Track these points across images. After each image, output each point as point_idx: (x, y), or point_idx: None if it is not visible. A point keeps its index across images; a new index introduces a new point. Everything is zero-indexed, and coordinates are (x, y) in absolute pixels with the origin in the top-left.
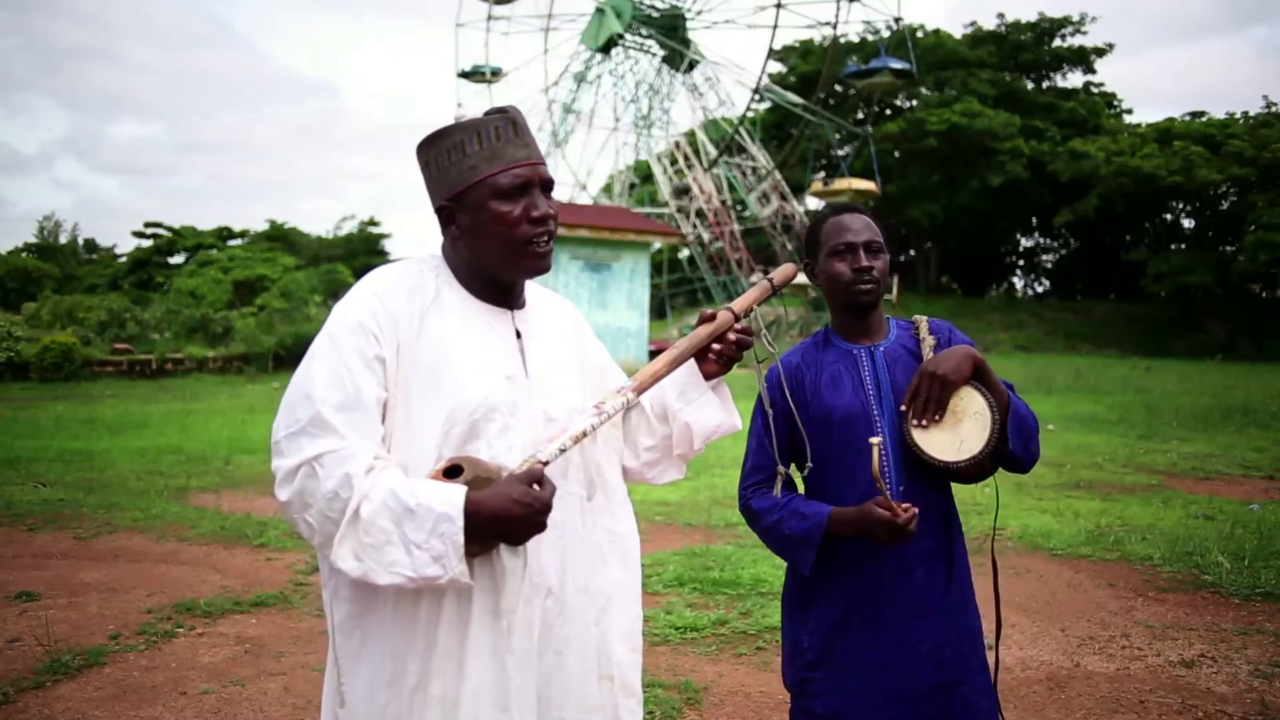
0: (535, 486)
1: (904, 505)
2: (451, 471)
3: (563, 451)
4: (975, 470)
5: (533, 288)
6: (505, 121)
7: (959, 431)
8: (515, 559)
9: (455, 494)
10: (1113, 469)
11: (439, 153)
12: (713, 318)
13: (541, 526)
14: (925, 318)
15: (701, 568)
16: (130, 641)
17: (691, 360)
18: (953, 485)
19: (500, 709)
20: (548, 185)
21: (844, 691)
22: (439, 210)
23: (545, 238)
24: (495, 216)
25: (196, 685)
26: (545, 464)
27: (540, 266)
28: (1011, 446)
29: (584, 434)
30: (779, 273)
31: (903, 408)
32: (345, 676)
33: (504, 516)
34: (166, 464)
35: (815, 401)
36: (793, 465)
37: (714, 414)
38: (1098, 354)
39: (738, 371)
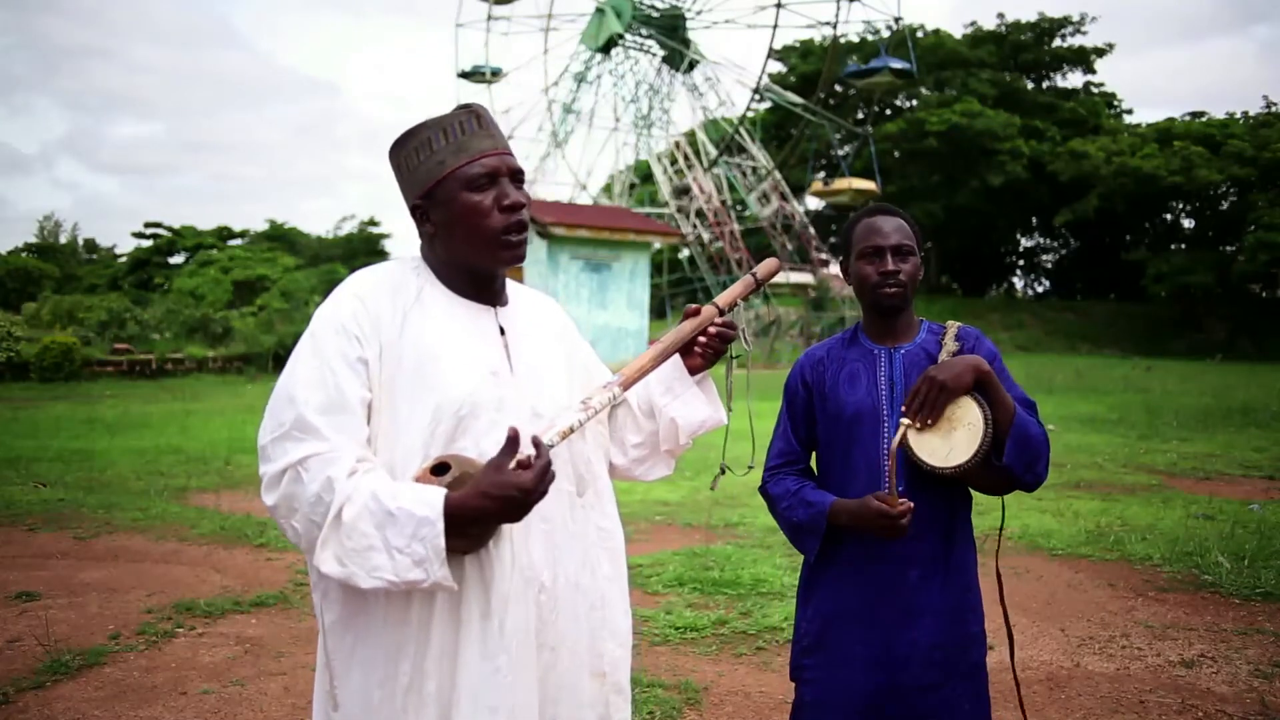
0: (534, 454)
1: (903, 501)
2: (439, 469)
3: (550, 448)
4: (978, 481)
5: (516, 285)
6: (469, 115)
7: (950, 439)
8: (502, 554)
9: (434, 496)
10: (1113, 469)
11: (408, 153)
12: (697, 313)
13: (527, 507)
14: (957, 324)
15: (701, 568)
16: (130, 641)
17: (677, 355)
18: (971, 493)
19: (492, 707)
20: (517, 175)
21: (832, 682)
22: (413, 209)
23: (518, 226)
24: (467, 208)
25: (196, 685)
26: None
27: (515, 256)
28: (1008, 460)
29: (571, 430)
30: (762, 267)
31: (903, 409)
32: (338, 678)
33: (483, 513)
34: (166, 464)
35: (832, 396)
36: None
37: (699, 409)
38: (1098, 354)
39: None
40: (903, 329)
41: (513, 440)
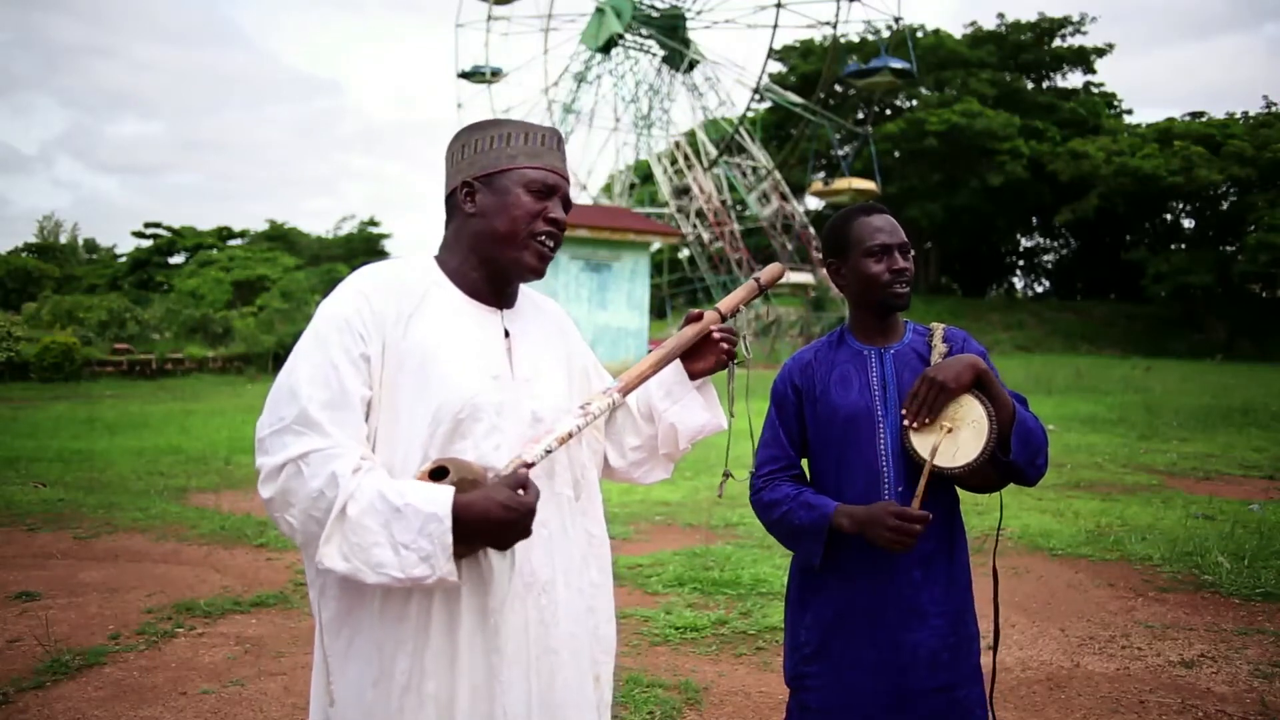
0: (520, 491)
1: (921, 513)
2: (437, 473)
3: (548, 453)
4: (977, 479)
5: (523, 288)
6: (551, 135)
7: (955, 439)
8: (503, 559)
9: (443, 495)
10: (1113, 469)
11: (482, 137)
12: (699, 317)
13: (527, 532)
14: (942, 325)
15: (701, 568)
16: (130, 641)
17: (677, 360)
18: (959, 490)
19: (488, 709)
20: (567, 202)
21: (838, 688)
22: (462, 186)
23: (551, 242)
24: (516, 203)
25: (196, 685)
26: (530, 465)
27: (536, 267)
28: (1014, 456)
29: (570, 435)
30: (766, 272)
31: (903, 411)
32: (334, 675)
33: (490, 520)
34: (166, 464)
35: (823, 399)
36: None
37: (698, 414)
38: (1098, 354)
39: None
40: (891, 329)
41: (522, 478)
